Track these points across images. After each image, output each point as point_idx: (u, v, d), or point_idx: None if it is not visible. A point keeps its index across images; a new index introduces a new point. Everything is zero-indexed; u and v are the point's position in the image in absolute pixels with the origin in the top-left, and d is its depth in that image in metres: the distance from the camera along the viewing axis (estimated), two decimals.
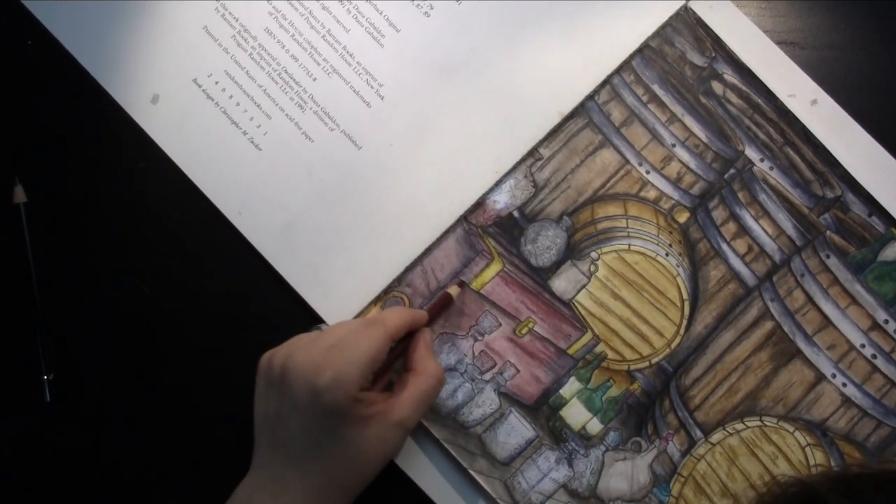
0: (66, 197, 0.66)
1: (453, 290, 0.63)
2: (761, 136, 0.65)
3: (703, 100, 0.65)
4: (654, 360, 0.64)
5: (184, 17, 0.65)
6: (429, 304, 0.63)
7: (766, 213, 0.64)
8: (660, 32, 0.65)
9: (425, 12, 0.65)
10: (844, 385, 0.63)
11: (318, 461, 0.56)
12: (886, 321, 0.63)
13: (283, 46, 0.65)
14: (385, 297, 0.64)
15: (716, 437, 0.63)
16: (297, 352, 0.57)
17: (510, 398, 0.64)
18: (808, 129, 0.64)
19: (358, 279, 0.64)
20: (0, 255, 0.65)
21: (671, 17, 0.65)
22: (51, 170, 0.66)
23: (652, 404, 0.64)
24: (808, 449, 0.62)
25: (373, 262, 0.64)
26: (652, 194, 0.65)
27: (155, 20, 0.66)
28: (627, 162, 0.65)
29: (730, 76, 0.65)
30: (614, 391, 0.64)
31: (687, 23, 0.65)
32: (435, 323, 0.63)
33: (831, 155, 0.64)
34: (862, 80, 0.66)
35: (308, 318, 0.64)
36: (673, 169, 0.65)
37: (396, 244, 0.64)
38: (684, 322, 0.64)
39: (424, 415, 0.62)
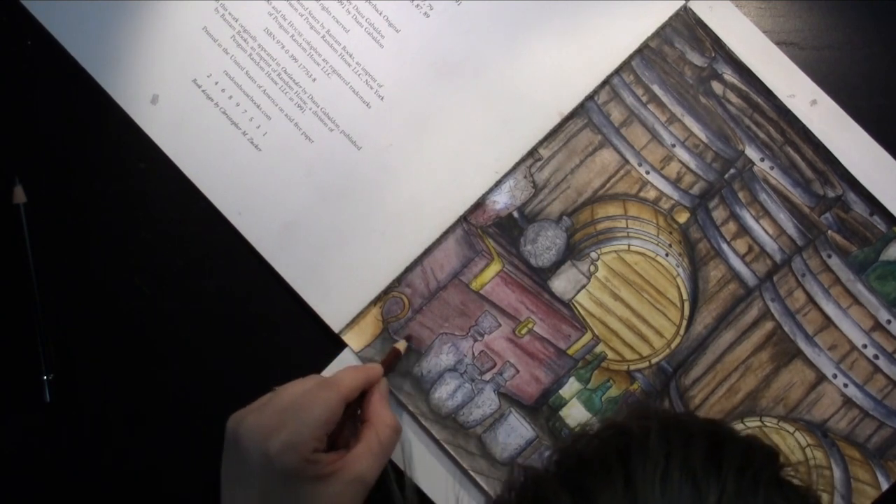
0: (66, 197, 0.66)
1: (401, 346, 0.63)
2: (761, 135, 0.65)
3: (703, 100, 0.65)
4: (653, 361, 0.64)
5: (183, 18, 0.66)
6: (381, 357, 0.63)
7: (767, 213, 0.64)
8: (659, 33, 0.65)
9: (425, 13, 0.65)
10: (846, 386, 0.63)
11: None
12: (889, 321, 0.63)
13: (283, 47, 0.65)
14: (385, 298, 0.64)
15: None
16: (248, 415, 0.56)
17: (510, 398, 0.63)
18: (808, 129, 0.64)
19: (358, 279, 0.64)
20: (0, 255, 0.65)
21: (671, 18, 0.65)
22: (51, 170, 0.66)
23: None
24: (808, 449, 0.62)
25: (373, 262, 0.64)
26: (652, 194, 0.65)
27: (155, 20, 0.66)
28: (627, 162, 0.65)
29: (729, 76, 0.65)
30: (614, 391, 0.64)
31: (686, 23, 0.65)
32: (388, 374, 0.62)
33: (832, 154, 0.64)
34: (862, 80, 0.65)
35: (308, 319, 0.64)
36: (673, 169, 0.65)
37: (396, 244, 0.64)
38: (684, 322, 0.64)
39: (424, 416, 0.63)
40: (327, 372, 0.63)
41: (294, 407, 0.56)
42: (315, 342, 0.64)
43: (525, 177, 0.65)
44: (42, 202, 0.65)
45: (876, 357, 0.63)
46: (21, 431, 0.64)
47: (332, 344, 0.64)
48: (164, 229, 0.65)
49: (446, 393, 0.63)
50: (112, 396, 0.64)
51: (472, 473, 0.62)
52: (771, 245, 0.64)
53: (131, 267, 0.65)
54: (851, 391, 0.63)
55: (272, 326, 0.65)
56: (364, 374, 0.60)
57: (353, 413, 0.60)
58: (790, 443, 0.62)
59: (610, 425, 0.45)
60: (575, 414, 0.63)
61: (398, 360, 0.63)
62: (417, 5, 0.65)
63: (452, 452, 0.62)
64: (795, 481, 0.43)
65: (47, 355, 0.64)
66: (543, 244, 0.65)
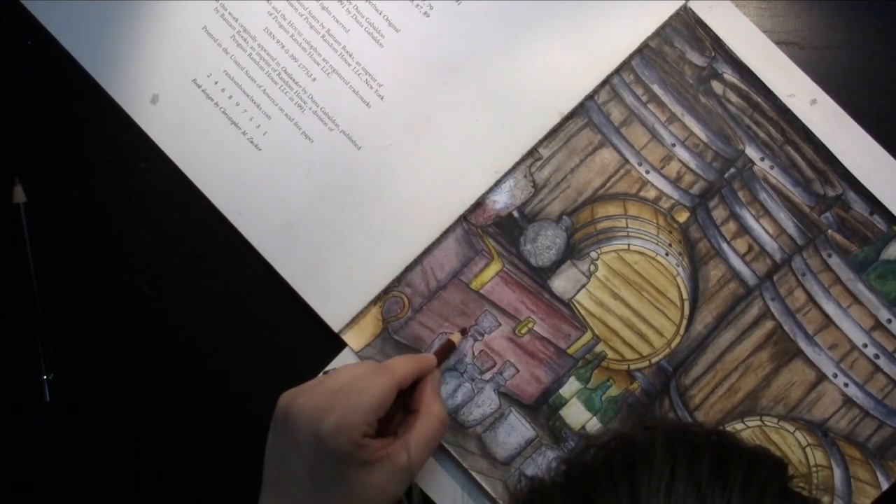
0: (66, 197, 0.66)
1: (455, 338, 0.63)
2: (761, 134, 0.65)
3: (703, 99, 0.65)
4: (653, 360, 0.64)
5: (183, 18, 0.66)
6: (436, 349, 0.63)
7: (767, 212, 0.64)
8: (659, 32, 0.65)
9: (425, 12, 0.65)
10: (846, 385, 0.63)
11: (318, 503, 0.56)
12: (889, 320, 0.63)
13: (283, 47, 0.65)
14: (385, 297, 0.64)
15: None
16: (300, 395, 0.56)
17: (510, 398, 0.63)
18: (808, 128, 0.64)
19: (358, 279, 0.64)
20: (0, 255, 0.65)
21: (670, 17, 0.65)
22: (51, 170, 0.66)
23: (652, 404, 0.64)
24: (808, 449, 0.62)
25: (372, 261, 0.64)
26: (652, 194, 0.65)
27: (155, 20, 0.66)
28: (627, 161, 0.65)
29: (729, 76, 0.65)
30: (614, 391, 0.64)
31: (686, 23, 0.65)
32: (441, 365, 0.63)
33: (832, 153, 0.64)
34: (862, 80, 0.65)
35: (308, 319, 0.64)
36: (673, 168, 0.65)
37: (396, 244, 0.64)
38: (684, 322, 0.64)
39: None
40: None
41: (346, 389, 0.56)
42: (315, 342, 0.64)
43: (525, 176, 0.65)
44: (42, 202, 0.65)
45: (876, 356, 0.63)
46: (21, 431, 0.64)
47: (333, 343, 0.64)
48: (164, 229, 0.65)
49: (446, 392, 0.63)
50: (112, 396, 0.64)
51: (472, 473, 0.62)
52: (771, 244, 0.64)
53: (131, 267, 0.65)
54: (852, 390, 0.63)
55: (272, 326, 0.65)
56: (417, 363, 0.60)
57: (403, 402, 0.60)
58: (790, 442, 0.62)
59: (615, 436, 0.45)
60: (575, 413, 0.63)
61: (452, 352, 0.63)
62: (417, 5, 0.65)
63: (452, 452, 0.62)
64: (804, 492, 0.43)
65: (47, 355, 0.64)
66: (543, 243, 0.65)
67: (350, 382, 0.56)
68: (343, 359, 0.63)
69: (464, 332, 0.64)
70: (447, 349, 0.63)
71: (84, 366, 0.65)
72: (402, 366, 0.59)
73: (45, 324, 0.64)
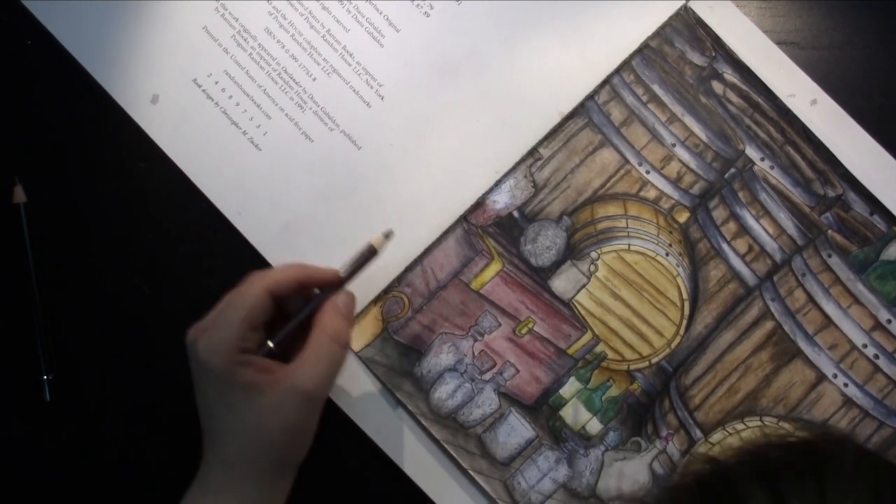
0: (66, 197, 0.66)
1: (377, 241, 0.59)
2: (762, 135, 0.65)
3: (703, 99, 0.65)
4: (653, 360, 0.64)
5: (184, 17, 0.66)
6: (349, 263, 0.59)
7: (767, 213, 0.64)
8: (660, 32, 0.65)
9: (425, 12, 0.65)
10: (846, 385, 0.63)
11: (221, 435, 0.54)
12: (889, 321, 0.63)
13: (283, 46, 0.65)
14: (385, 297, 0.64)
15: (716, 437, 0.63)
16: (195, 325, 0.55)
17: (510, 398, 0.63)
18: (808, 128, 0.64)
19: (358, 279, 0.64)
20: (0, 255, 0.65)
21: (671, 17, 0.65)
22: (51, 170, 0.66)
23: (652, 404, 0.64)
24: None
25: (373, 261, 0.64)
26: (652, 194, 0.65)
27: (155, 20, 0.66)
28: (627, 162, 0.65)
29: (730, 76, 0.65)
30: (614, 391, 0.64)
31: (687, 23, 0.65)
32: (351, 281, 0.59)
33: (832, 154, 0.64)
34: (862, 80, 0.65)
35: None
36: (673, 169, 0.65)
37: (396, 243, 0.64)
38: (684, 322, 0.64)
39: (424, 416, 0.62)
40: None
41: (223, 307, 0.55)
42: None
43: (525, 176, 0.65)
44: (42, 202, 0.65)
45: (876, 357, 0.63)
46: (21, 431, 0.64)
47: None
48: (164, 229, 0.65)
49: (446, 393, 0.63)
50: (112, 396, 0.64)
51: (471, 473, 0.62)
52: (771, 245, 0.64)
53: (131, 267, 0.65)
54: (852, 391, 0.63)
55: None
56: (300, 270, 0.56)
57: (306, 324, 0.57)
58: None
59: (801, 440, 0.46)
60: (575, 414, 0.64)
61: (370, 260, 0.59)
62: (418, 5, 0.65)
63: (452, 452, 0.62)
64: None
65: (47, 355, 0.64)
66: (543, 244, 0.64)
67: (227, 299, 0.55)
68: (350, 368, 0.63)
69: (387, 235, 0.60)
70: (365, 258, 0.59)
71: (84, 366, 0.65)
72: (278, 270, 0.56)
73: (45, 324, 0.64)
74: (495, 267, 0.64)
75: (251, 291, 0.55)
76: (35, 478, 0.64)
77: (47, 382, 0.64)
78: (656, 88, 0.65)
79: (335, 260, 0.64)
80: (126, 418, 0.64)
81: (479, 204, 0.64)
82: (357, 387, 0.63)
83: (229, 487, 0.55)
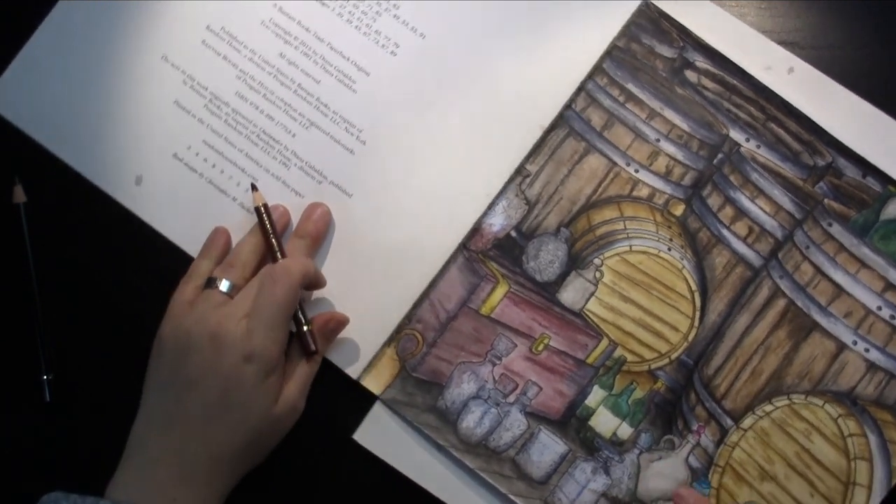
0: (67, 197, 0.66)
1: (258, 199, 0.64)
2: (743, 116, 0.65)
3: (680, 90, 0.65)
4: (673, 356, 0.64)
5: (153, 95, 0.66)
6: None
7: (761, 192, 0.64)
8: (625, 31, 0.65)
9: (391, 52, 0.65)
10: (867, 350, 0.63)
11: (216, 426, 0.58)
12: None
13: (257, 108, 0.65)
14: (398, 337, 0.64)
15: (746, 422, 0.63)
16: (224, 319, 0.60)
17: (537, 416, 0.64)
18: (787, 102, 0.64)
19: (368, 323, 0.64)
20: (0, 255, 0.65)
21: (634, 15, 0.65)
22: (51, 170, 0.66)
23: (678, 400, 0.64)
24: (840, 420, 0.62)
25: (380, 304, 0.64)
26: (645, 192, 0.65)
27: (125, 102, 0.66)
28: (615, 164, 0.65)
29: (701, 62, 0.65)
30: (639, 393, 0.64)
31: (650, 17, 0.65)
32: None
33: (815, 123, 0.64)
34: (862, 79, 0.65)
35: (325, 367, 0.64)
36: (661, 163, 0.65)
37: (401, 283, 0.64)
38: (697, 313, 0.64)
39: (455, 448, 0.63)
40: (362, 428, 0.64)
41: (271, 299, 0.60)
42: (334, 389, 0.64)
43: (517, 195, 0.65)
44: (42, 202, 0.66)
45: (892, 317, 0.63)
46: (21, 431, 0.65)
47: (353, 390, 0.64)
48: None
49: (473, 421, 0.63)
50: (112, 396, 0.64)
51: (512, 498, 0.62)
52: (770, 223, 0.64)
53: (131, 267, 0.65)
54: (874, 355, 0.63)
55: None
56: (307, 265, 0.62)
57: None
58: (821, 416, 0.62)
59: None
60: (604, 421, 0.64)
61: (268, 217, 0.64)
62: (383, 46, 0.65)
63: (489, 479, 0.63)
64: None
65: (47, 355, 0.64)
66: (546, 258, 0.65)
67: (278, 295, 0.59)
68: (375, 413, 0.64)
69: (253, 186, 0.64)
70: (263, 219, 0.63)
71: (84, 366, 0.65)
72: (299, 261, 0.61)
73: (45, 324, 0.65)
74: (502, 289, 0.64)
75: (294, 293, 0.60)
76: (35, 478, 0.64)
77: (47, 382, 0.64)
78: (631, 87, 0.65)
79: (342, 306, 0.64)
80: (126, 418, 0.64)
81: (476, 229, 0.64)
82: (385, 428, 0.64)
83: (212, 477, 0.59)
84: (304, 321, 0.62)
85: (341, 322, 0.63)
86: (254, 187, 0.64)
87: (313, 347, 0.62)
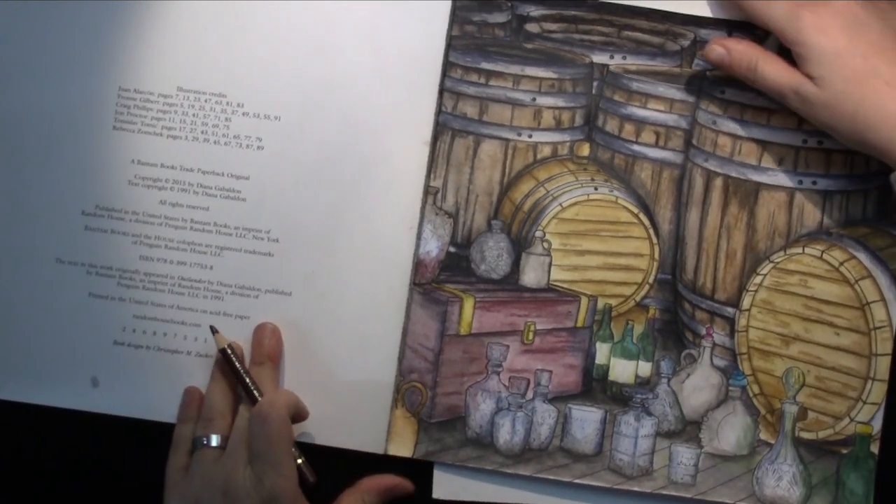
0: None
1: (219, 342, 0.64)
2: (596, 38, 0.65)
3: (529, 45, 0.65)
4: (650, 280, 0.64)
5: (65, 294, 0.65)
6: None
7: (648, 96, 0.65)
8: (454, 20, 0.65)
9: (258, 147, 0.65)
10: (814, 182, 0.63)
11: None
12: None
13: (166, 260, 0.65)
14: (400, 395, 0.63)
15: (745, 302, 0.63)
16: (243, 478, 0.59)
17: (561, 398, 0.64)
18: (627, 5, 0.64)
19: (366, 398, 0.64)
20: None
21: (453, 2, 0.65)
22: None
23: (676, 316, 0.64)
24: (825, 255, 0.63)
25: (367, 376, 0.64)
26: (547, 150, 0.65)
27: (52, 325, 0.65)
28: (508, 140, 0.65)
29: (535, 11, 0.65)
30: (638, 328, 0.64)
31: None
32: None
33: (662, 10, 0.64)
34: None
35: (346, 454, 0.64)
36: (548, 118, 0.65)
37: (374, 348, 0.64)
38: (650, 231, 0.64)
39: (505, 466, 0.63)
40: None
41: (266, 437, 0.60)
42: (373, 472, 0.64)
43: (436, 214, 0.65)
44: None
45: (820, 143, 0.63)
46: (21, 431, 0.64)
47: (380, 463, 0.64)
48: None
49: (507, 433, 0.63)
50: None
51: (577, 482, 0.62)
52: (671, 119, 0.65)
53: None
54: (822, 183, 0.63)
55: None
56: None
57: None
58: (807, 261, 0.63)
59: None
60: (621, 370, 0.64)
61: (234, 359, 0.63)
62: (247, 146, 0.65)
63: (551, 476, 0.63)
64: None
65: None
66: (492, 255, 0.65)
67: (269, 432, 0.58)
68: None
69: (213, 329, 0.64)
70: (231, 362, 0.63)
71: None
72: (280, 394, 0.62)
73: None
74: (469, 304, 0.64)
75: (288, 425, 0.60)
76: (35, 477, 0.64)
77: None
78: (485, 65, 0.65)
79: (334, 399, 0.64)
80: (126, 418, 0.64)
81: (418, 263, 0.64)
82: (437, 483, 0.64)
83: None
84: (296, 455, 0.61)
85: (400, 486, 0.63)
86: (213, 330, 0.63)
87: (311, 479, 0.61)
